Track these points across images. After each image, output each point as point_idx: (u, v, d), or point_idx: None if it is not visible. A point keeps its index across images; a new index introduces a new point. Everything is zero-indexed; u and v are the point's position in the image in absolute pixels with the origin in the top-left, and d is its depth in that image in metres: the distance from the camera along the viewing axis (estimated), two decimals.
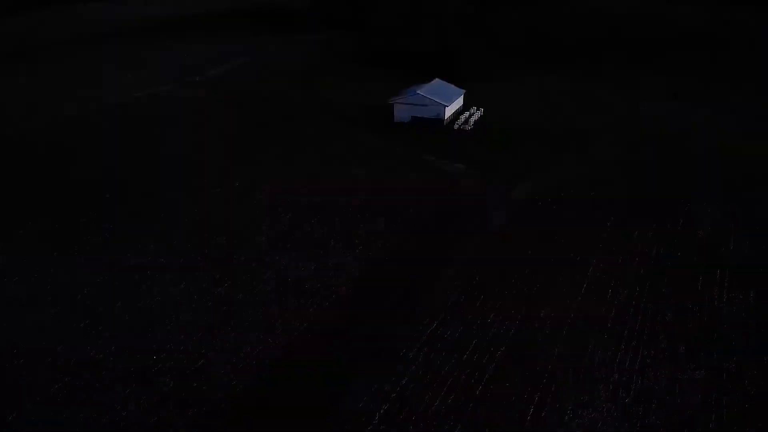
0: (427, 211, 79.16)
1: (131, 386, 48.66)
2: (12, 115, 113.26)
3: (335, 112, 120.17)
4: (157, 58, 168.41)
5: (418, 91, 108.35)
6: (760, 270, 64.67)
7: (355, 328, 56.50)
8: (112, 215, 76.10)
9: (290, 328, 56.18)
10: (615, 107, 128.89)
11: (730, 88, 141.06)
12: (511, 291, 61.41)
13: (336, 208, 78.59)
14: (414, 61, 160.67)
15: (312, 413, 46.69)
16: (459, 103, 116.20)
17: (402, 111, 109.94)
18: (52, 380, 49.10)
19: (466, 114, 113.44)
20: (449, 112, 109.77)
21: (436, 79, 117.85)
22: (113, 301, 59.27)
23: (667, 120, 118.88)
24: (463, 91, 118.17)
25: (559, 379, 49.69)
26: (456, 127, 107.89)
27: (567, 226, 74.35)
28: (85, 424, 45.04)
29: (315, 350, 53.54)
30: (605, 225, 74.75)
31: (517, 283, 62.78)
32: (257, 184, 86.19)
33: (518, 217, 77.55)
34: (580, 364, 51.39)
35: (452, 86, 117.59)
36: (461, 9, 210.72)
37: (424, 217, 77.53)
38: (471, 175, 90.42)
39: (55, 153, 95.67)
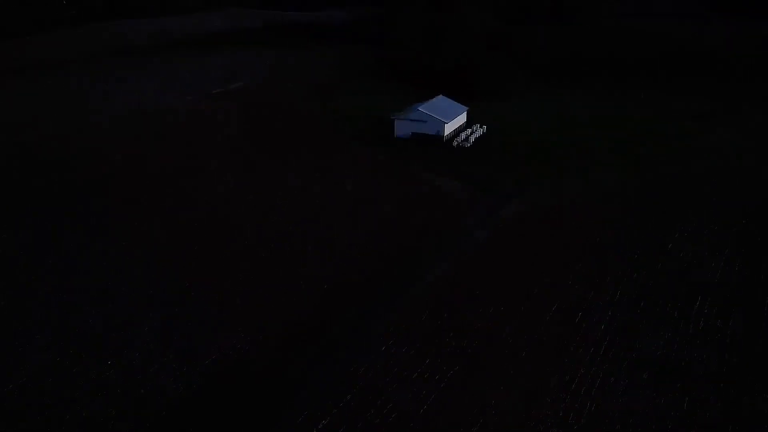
0: (409, 226, 78.62)
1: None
2: (32, 124, 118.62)
3: (341, 124, 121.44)
4: (184, 71, 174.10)
5: (419, 108, 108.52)
6: (742, 298, 61.47)
7: (312, 341, 56.25)
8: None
9: (243, 340, 56.27)
10: (630, 126, 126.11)
11: (755, 110, 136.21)
12: (477, 311, 59.94)
13: (317, 219, 78.91)
14: (433, 77, 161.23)
15: (251, 425, 46.63)
16: (461, 120, 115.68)
17: (403, 126, 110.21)
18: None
19: (468, 131, 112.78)
20: (449, 128, 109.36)
21: (440, 96, 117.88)
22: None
23: (682, 140, 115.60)
24: (466, 108, 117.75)
25: (508, 403, 48.19)
26: (455, 144, 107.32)
27: (549, 247, 72.39)
28: None
29: (266, 361, 53.53)
30: (589, 247, 72.57)
31: (485, 303, 61.24)
32: (244, 191, 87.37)
33: (500, 237, 76.08)
34: (534, 388, 49.75)
35: (455, 103, 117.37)
36: (485, 26, 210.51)
37: (405, 231, 76.95)
38: (462, 192, 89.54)
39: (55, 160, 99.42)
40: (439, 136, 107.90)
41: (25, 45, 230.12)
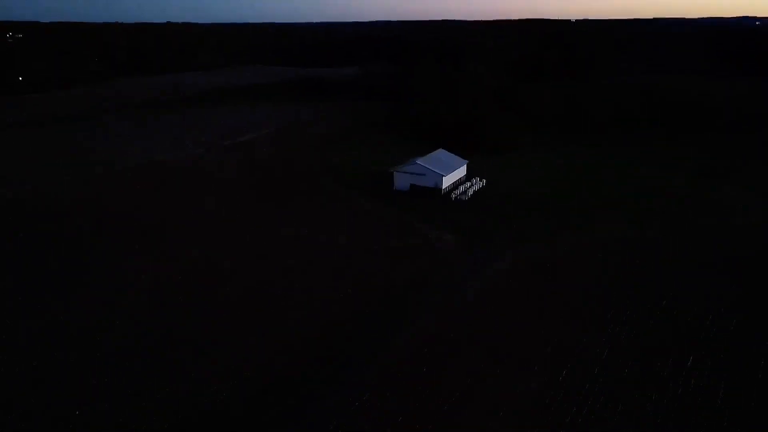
0: (398, 278, 77.82)
1: None
2: (35, 175, 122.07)
3: (343, 176, 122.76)
4: (198, 125, 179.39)
5: (418, 161, 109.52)
6: (737, 357, 58.99)
7: (288, 392, 55.05)
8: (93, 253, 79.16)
9: (219, 390, 55.38)
10: (635, 182, 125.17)
11: (762, 166, 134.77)
12: (458, 366, 58.45)
13: (305, 270, 78.63)
14: (440, 131, 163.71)
15: None
16: (461, 173, 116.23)
17: (401, 179, 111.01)
18: None
19: (467, 184, 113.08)
20: (448, 181, 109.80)
21: (440, 149, 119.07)
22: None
23: (686, 195, 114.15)
24: (466, 161, 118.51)
25: None
26: (453, 196, 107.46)
27: (538, 303, 70.90)
28: None
29: (240, 412, 52.40)
30: (579, 302, 70.88)
31: (466, 358, 59.77)
32: (237, 240, 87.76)
33: (488, 290, 74.64)
34: None
35: (455, 156, 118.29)
36: (494, 83, 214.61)
37: (393, 284, 76.09)
38: (454, 245, 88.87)
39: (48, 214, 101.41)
40: (437, 188, 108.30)
41: (51, 99, 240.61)
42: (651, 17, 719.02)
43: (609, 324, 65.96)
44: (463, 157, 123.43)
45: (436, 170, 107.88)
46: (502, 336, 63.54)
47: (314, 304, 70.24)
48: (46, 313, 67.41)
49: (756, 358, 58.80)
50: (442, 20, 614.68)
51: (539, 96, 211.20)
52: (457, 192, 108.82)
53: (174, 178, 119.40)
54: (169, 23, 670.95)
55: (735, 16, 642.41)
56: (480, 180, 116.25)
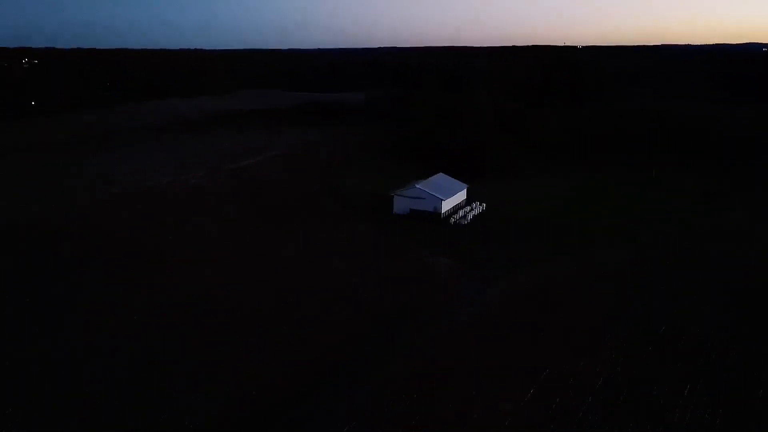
0: (393, 302, 77.27)
1: None
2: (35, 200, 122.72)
3: (343, 200, 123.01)
4: (203, 148, 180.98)
5: (417, 185, 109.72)
6: (736, 389, 57.58)
7: (276, 419, 54.31)
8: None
9: (206, 416, 54.74)
10: (639, 208, 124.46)
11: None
12: (448, 393, 57.38)
13: (299, 293, 78.28)
14: (444, 156, 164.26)
15: None
16: (461, 197, 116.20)
17: (401, 203, 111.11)
18: None
19: (467, 208, 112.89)
20: (447, 206, 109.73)
21: (440, 174, 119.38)
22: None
23: (689, 220, 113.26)
24: (466, 185, 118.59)
25: None
26: (452, 221, 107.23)
27: (532, 329, 69.89)
28: None
29: None
30: (576, 330, 69.72)
31: (457, 385, 58.73)
32: (233, 264, 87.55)
33: (483, 316, 73.78)
34: None
35: (455, 181, 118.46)
36: (498, 107, 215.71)
37: (387, 308, 75.53)
38: (450, 269, 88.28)
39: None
40: (436, 213, 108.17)
41: (57, 123, 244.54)
42: (657, 44, 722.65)
43: (604, 351, 64.78)
44: (464, 182, 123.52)
45: (435, 194, 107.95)
46: (495, 362, 62.55)
47: (308, 328, 69.74)
48: (35, 339, 67.18)
49: (755, 390, 57.36)
50: (452, 46, 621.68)
51: (545, 121, 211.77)
52: (457, 216, 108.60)
53: (174, 200, 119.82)
54: (181, 50, 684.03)
55: (741, 42, 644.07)
56: (480, 204, 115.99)
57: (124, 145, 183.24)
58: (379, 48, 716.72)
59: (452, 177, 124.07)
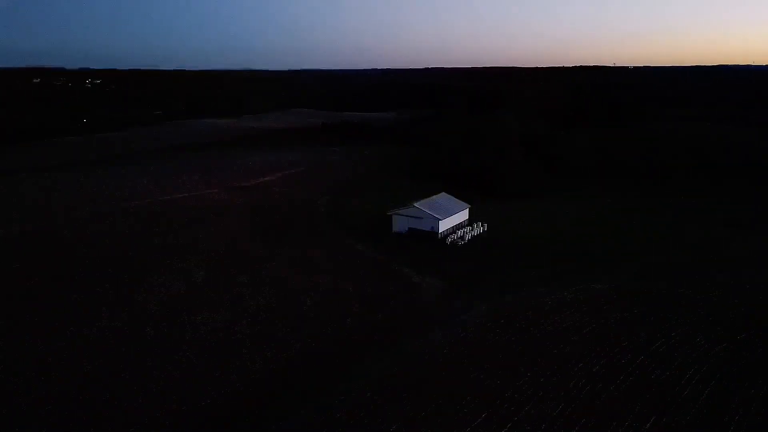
0: (369, 322, 76.29)
1: None
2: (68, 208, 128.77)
3: (345, 219, 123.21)
4: (227, 165, 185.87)
5: (416, 204, 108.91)
6: (702, 424, 53.76)
7: None
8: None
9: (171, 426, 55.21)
10: (657, 233, 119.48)
11: None
12: (391, 419, 55.72)
13: (277, 311, 78.41)
14: (461, 177, 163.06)
15: None
16: (461, 217, 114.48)
17: (400, 222, 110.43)
18: None
19: (467, 228, 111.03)
20: (445, 225, 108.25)
21: (442, 193, 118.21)
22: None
23: (706, 247, 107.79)
24: (468, 205, 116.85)
25: None
26: (449, 241, 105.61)
27: (506, 354, 67.53)
28: None
29: None
30: (551, 356, 66.82)
31: (405, 409, 56.96)
32: (217, 280, 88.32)
33: (460, 339, 71.63)
34: None
35: (456, 200, 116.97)
36: (527, 130, 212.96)
37: (361, 327, 74.54)
38: (437, 290, 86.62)
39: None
40: (433, 232, 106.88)
41: (107, 140, 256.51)
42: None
43: (573, 378, 61.85)
44: (473, 202, 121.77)
45: (432, 214, 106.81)
46: (454, 386, 60.58)
47: (272, 346, 69.57)
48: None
49: (721, 421, 53.48)
50: (493, 67, 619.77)
51: (573, 143, 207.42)
52: (455, 236, 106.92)
53: (178, 215, 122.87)
54: (228, 71, 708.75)
55: None
56: (482, 225, 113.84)
57: (147, 162, 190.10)
58: (420, 69, 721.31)
59: (462, 197, 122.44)
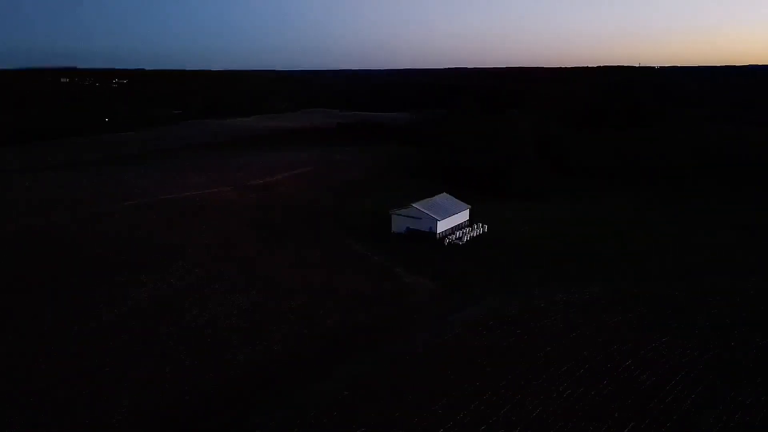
0: (356, 322, 76.11)
1: None
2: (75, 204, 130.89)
3: (346, 218, 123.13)
4: (240, 164, 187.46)
5: (414, 204, 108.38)
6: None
7: None
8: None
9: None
10: (664, 236, 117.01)
11: None
12: (364, 419, 55.38)
13: (264, 308, 78.66)
14: (470, 177, 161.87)
15: None
16: (462, 217, 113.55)
17: (399, 222, 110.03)
18: None
19: (466, 229, 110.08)
20: (443, 226, 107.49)
21: (443, 194, 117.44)
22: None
23: (716, 252, 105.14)
24: (468, 206, 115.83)
25: None
26: (447, 241, 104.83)
27: (489, 358, 66.45)
28: None
29: None
30: (535, 359, 65.76)
31: (380, 410, 56.48)
32: (208, 277, 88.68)
33: (445, 341, 70.69)
34: None
35: (456, 201, 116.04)
36: (540, 131, 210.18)
37: (347, 327, 74.37)
38: (428, 292, 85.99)
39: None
40: (432, 232, 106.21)
41: (129, 138, 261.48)
42: (723, 64, 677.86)
43: (555, 381, 60.81)
44: (473, 202, 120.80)
45: (431, 214, 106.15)
46: (433, 386, 60.00)
47: (256, 344, 69.81)
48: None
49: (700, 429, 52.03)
50: (511, 67, 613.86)
51: (587, 144, 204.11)
52: (453, 237, 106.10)
53: (184, 211, 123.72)
54: (250, 71, 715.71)
55: None
56: (481, 226, 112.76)
57: (161, 160, 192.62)
58: (439, 69, 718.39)
59: (468, 198, 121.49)
